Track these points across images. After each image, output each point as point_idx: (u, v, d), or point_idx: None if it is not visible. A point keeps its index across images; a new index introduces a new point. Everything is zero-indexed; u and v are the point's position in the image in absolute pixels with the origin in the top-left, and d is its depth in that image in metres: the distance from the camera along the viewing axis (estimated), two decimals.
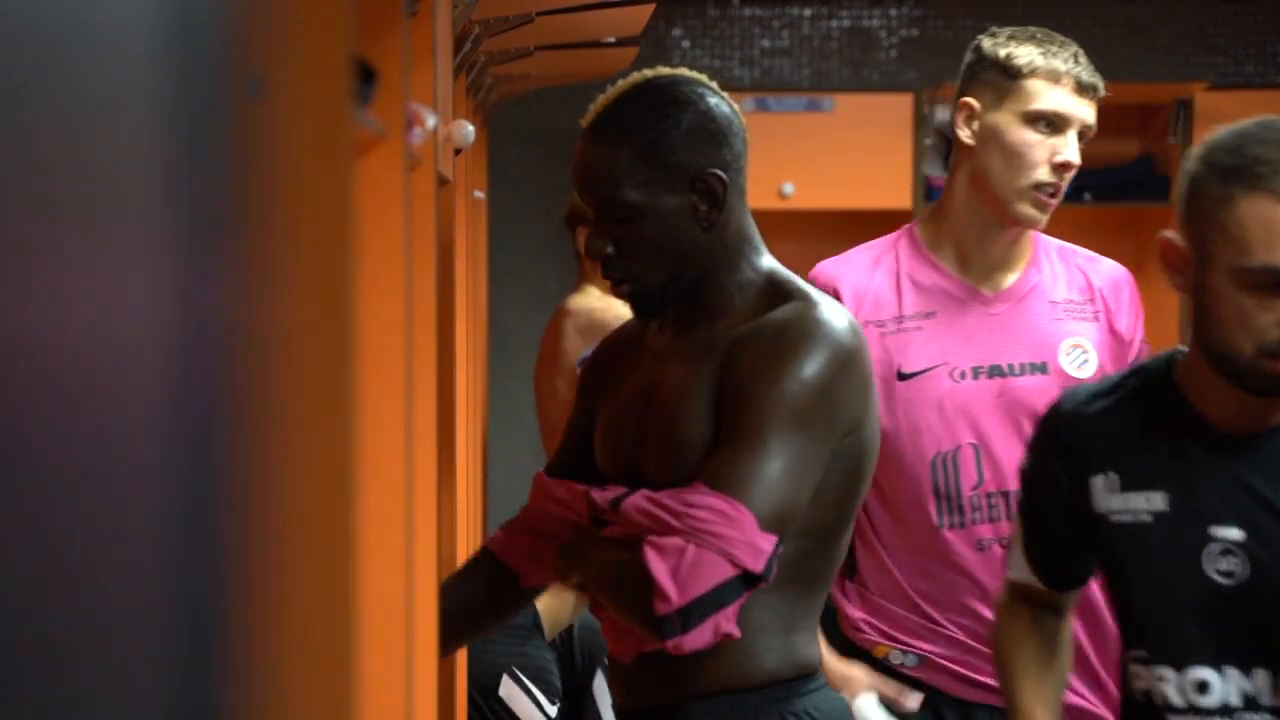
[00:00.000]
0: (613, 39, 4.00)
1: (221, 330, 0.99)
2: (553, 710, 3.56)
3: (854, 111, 5.67)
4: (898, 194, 5.68)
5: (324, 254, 1.16)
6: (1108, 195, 5.81)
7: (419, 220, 2.10)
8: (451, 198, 2.57)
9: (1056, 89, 2.74)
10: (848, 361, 2.20)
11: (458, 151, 2.66)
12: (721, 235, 2.27)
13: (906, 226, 2.97)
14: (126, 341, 0.85)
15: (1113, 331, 2.91)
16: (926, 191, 5.73)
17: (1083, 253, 2.96)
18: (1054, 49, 2.77)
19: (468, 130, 2.54)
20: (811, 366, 2.18)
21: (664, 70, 2.37)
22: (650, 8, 3.35)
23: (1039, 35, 2.79)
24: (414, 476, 1.97)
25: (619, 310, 4.57)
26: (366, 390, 1.83)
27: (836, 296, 2.79)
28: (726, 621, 2.12)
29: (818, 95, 5.67)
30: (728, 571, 2.10)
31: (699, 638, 2.11)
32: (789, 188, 5.59)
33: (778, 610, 2.25)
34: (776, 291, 2.27)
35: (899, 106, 5.69)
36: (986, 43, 2.79)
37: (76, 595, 0.78)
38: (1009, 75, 2.75)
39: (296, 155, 1.16)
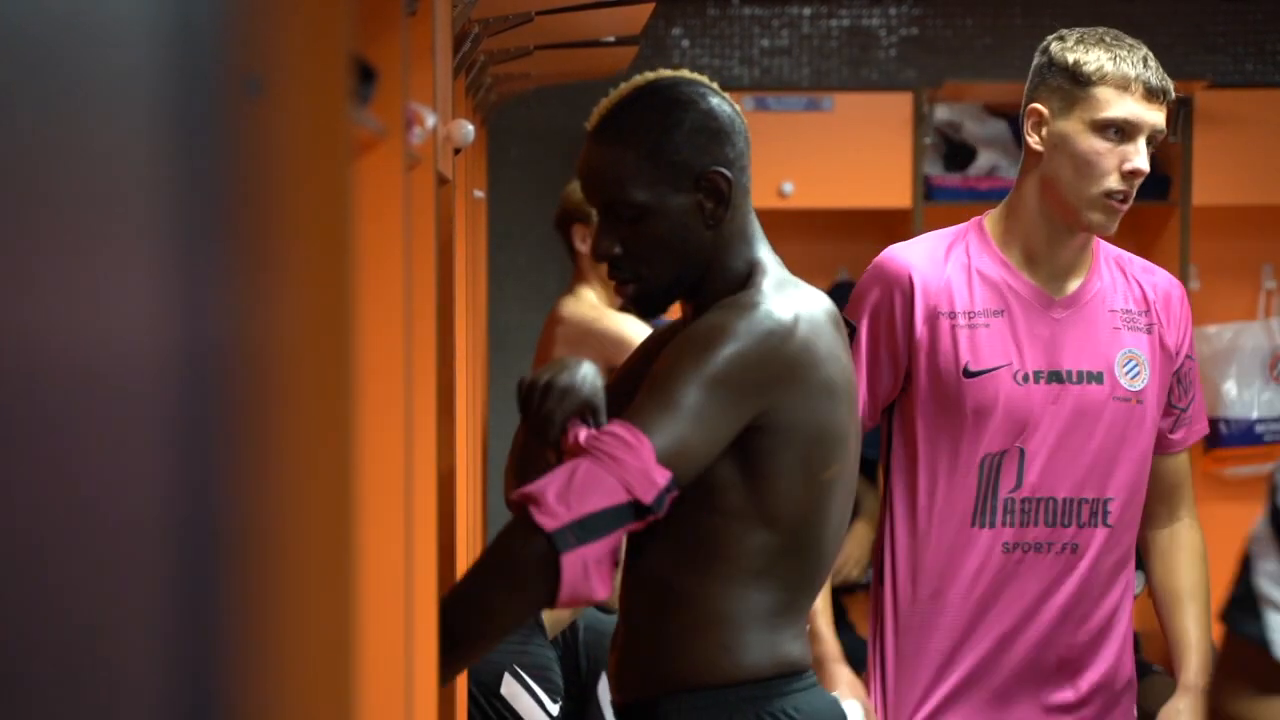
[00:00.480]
0: (612, 38, 4.00)
1: (220, 330, 0.99)
2: (554, 708, 3.56)
3: (853, 111, 5.67)
4: (897, 193, 5.68)
5: (323, 253, 1.16)
6: None
7: (418, 220, 2.10)
8: (451, 197, 2.57)
9: (1126, 96, 2.73)
10: (776, 344, 2.22)
11: (457, 151, 2.66)
12: (726, 232, 2.30)
13: (976, 219, 2.95)
14: (125, 341, 0.85)
15: (1163, 345, 2.90)
16: (926, 191, 5.72)
17: (1139, 262, 2.96)
18: (1123, 54, 2.75)
19: (467, 130, 2.53)
20: (732, 342, 2.20)
21: (665, 72, 2.38)
22: (650, 7, 3.35)
23: (1108, 38, 2.77)
24: (413, 476, 1.97)
25: (609, 321, 4.54)
26: (366, 390, 1.83)
27: (909, 282, 2.80)
28: (599, 568, 2.10)
29: (817, 94, 5.66)
30: (620, 496, 2.11)
31: (572, 566, 2.09)
32: (788, 187, 5.59)
33: (756, 607, 2.25)
34: (744, 283, 2.29)
35: (899, 106, 5.68)
36: (1055, 46, 2.78)
37: (75, 598, 0.78)
38: (1078, 82, 2.74)
39: (295, 155, 1.16)
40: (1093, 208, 2.74)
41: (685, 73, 2.38)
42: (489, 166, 5.62)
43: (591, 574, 2.09)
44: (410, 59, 2.02)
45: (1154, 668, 5.43)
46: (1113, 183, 2.73)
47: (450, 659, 2.15)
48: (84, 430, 0.80)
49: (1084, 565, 2.83)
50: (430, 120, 2.07)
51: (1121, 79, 2.73)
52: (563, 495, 2.10)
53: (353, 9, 1.23)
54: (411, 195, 2.02)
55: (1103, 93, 2.72)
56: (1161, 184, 5.78)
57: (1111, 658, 2.88)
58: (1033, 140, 2.77)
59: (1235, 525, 6.06)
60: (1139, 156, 2.73)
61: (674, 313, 2.47)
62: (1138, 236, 6.02)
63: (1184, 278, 5.67)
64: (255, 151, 1.08)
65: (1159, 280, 2.94)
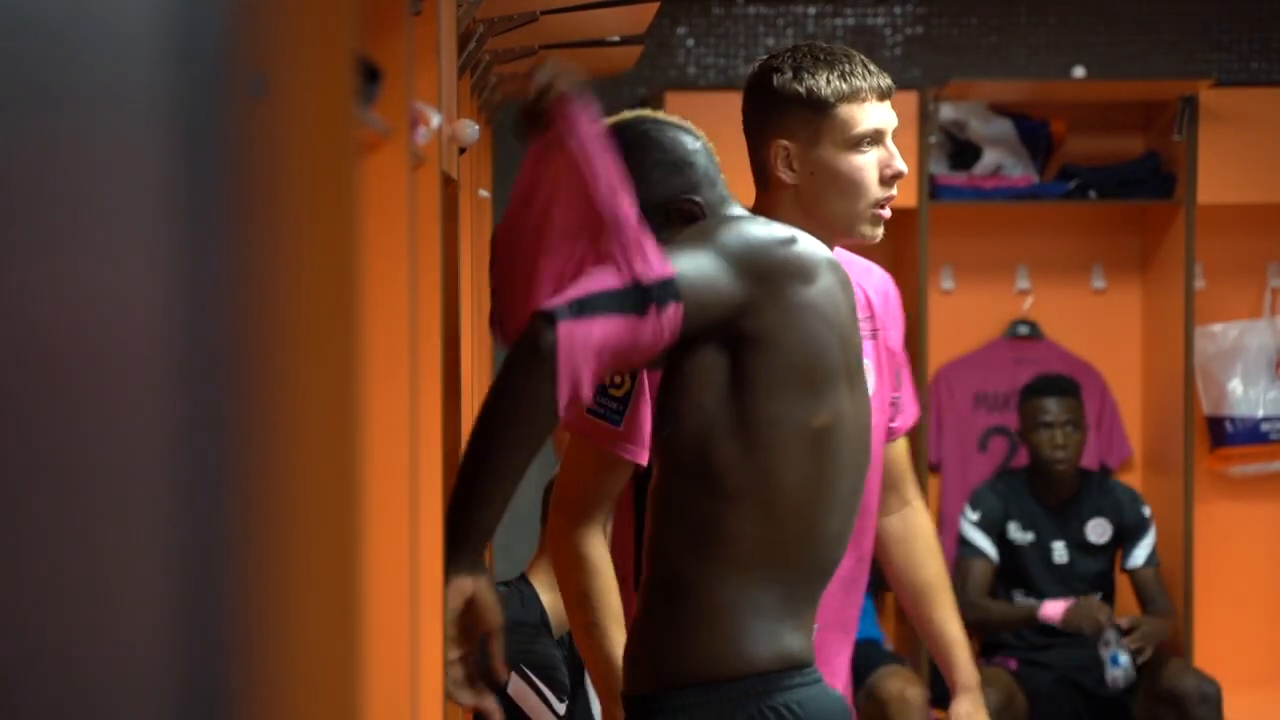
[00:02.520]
0: (617, 38, 4.00)
1: (227, 329, 0.99)
2: (561, 708, 3.56)
3: None
4: (903, 192, 5.63)
5: (328, 253, 1.16)
6: (1112, 192, 5.80)
7: (423, 219, 2.10)
8: (456, 196, 2.57)
9: (866, 106, 2.74)
10: (772, 244, 2.30)
11: (462, 150, 2.66)
12: None
13: None
14: (132, 340, 0.85)
15: (888, 348, 2.95)
16: (932, 190, 5.72)
17: (858, 262, 2.97)
18: (846, 67, 2.75)
19: (472, 129, 2.54)
20: (733, 232, 2.30)
21: (614, 118, 2.43)
22: (654, 6, 3.35)
23: (821, 55, 2.76)
24: (419, 474, 1.98)
25: None
26: (371, 389, 1.83)
27: None
28: (587, 356, 2.10)
29: None
30: (619, 281, 2.13)
31: (566, 336, 2.09)
32: None
33: (758, 599, 2.26)
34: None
35: (904, 104, 5.67)
36: (777, 80, 2.75)
37: (80, 589, 0.79)
38: (817, 108, 2.73)
39: (301, 155, 1.16)
40: (864, 221, 2.77)
41: (633, 113, 2.45)
42: (494, 166, 5.62)
43: (580, 358, 2.09)
44: (415, 59, 2.02)
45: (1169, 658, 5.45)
46: (879, 193, 2.75)
47: (482, 481, 2.13)
48: (93, 426, 0.80)
49: (862, 549, 2.91)
50: (435, 120, 2.08)
51: (856, 92, 2.74)
52: (567, 290, 2.13)
53: (357, 9, 1.23)
54: (416, 195, 2.02)
55: (846, 111, 2.73)
56: (1167, 182, 5.78)
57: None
58: (785, 176, 2.76)
59: (1240, 523, 6.07)
60: (896, 159, 2.76)
61: None
62: (1143, 235, 6.02)
63: (1189, 276, 5.67)
64: (260, 152, 1.08)
65: (876, 281, 2.99)
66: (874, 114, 2.74)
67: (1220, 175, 5.67)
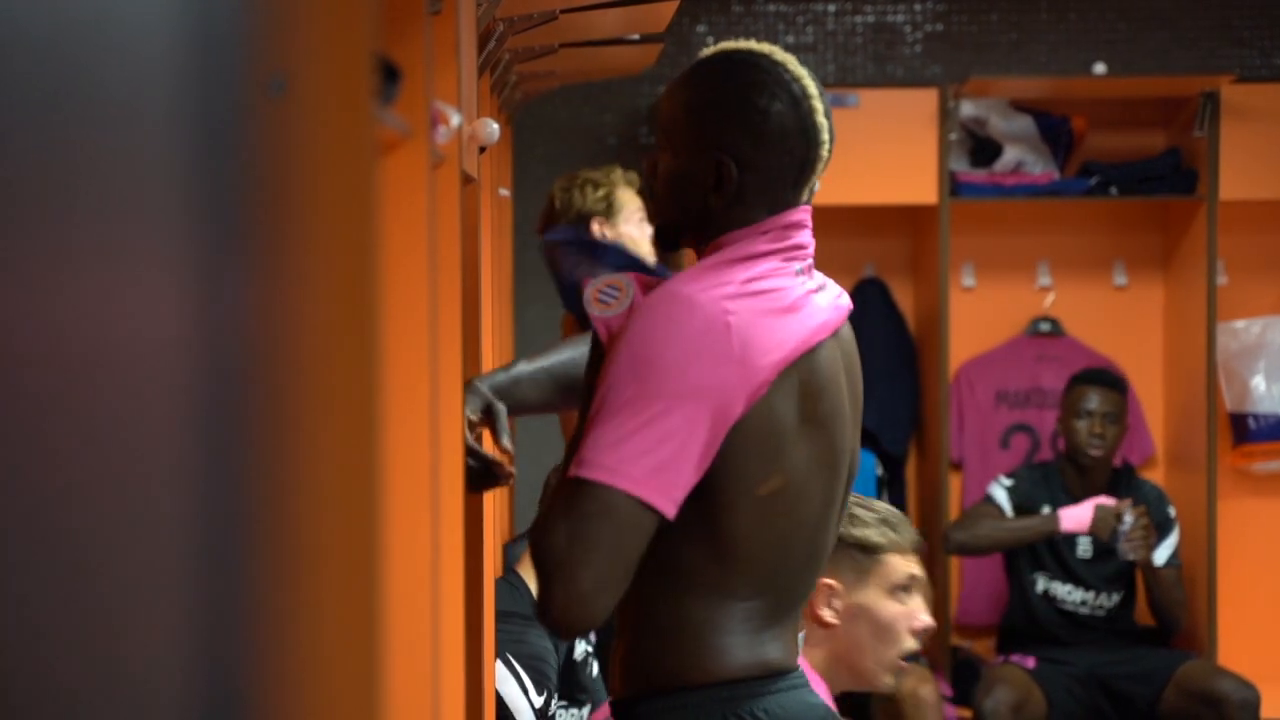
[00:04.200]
0: (636, 36, 4.00)
1: (245, 329, 0.99)
2: (539, 700, 3.54)
3: (879, 107, 5.65)
4: (923, 189, 5.67)
5: (348, 253, 1.16)
6: (1133, 189, 5.78)
7: (443, 218, 2.10)
8: (476, 196, 2.57)
9: (908, 558, 2.85)
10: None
11: (482, 149, 2.66)
12: (728, 212, 2.31)
13: None
14: (150, 341, 0.85)
15: None
16: (952, 187, 5.71)
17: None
18: (893, 520, 2.85)
19: (492, 128, 2.54)
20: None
21: (766, 50, 2.37)
22: (674, 4, 3.34)
23: (880, 511, 2.86)
24: (439, 474, 1.98)
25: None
26: (391, 389, 1.83)
27: None
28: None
29: (842, 90, 5.65)
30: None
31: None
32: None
33: (734, 614, 2.23)
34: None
35: (924, 101, 5.67)
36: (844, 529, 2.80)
37: (100, 594, 0.78)
38: (867, 552, 2.82)
39: (319, 155, 1.16)
40: (888, 671, 2.86)
41: (784, 60, 2.37)
42: (514, 165, 5.63)
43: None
44: (434, 58, 2.02)
45: (1190, 654, 5.44)
46: (909, 644, 2.84)
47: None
48: (113, 429, 0.80)
49: None
50: (455, 119, 2.07)
51: (900, 544, 2.84)
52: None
53: (377, 8, 1.23)
54: (436, 194, 2.02)
55: (892, 560, 2.84)
56: (1189, 179, 5.76)
57: None
58: (827, 615, 2.82)
59: (1264, 520, 6.06)
60: (925, 612, 2.85)
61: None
62: (1165, 231, 6.00)
63: (1211, 272, 5.66)
64: (279, 152, 1.08)
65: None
66: (913, 566, 2.86)
67: (1242, 171, 5.65)
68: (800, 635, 2.37)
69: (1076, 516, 5.26)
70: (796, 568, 2.28)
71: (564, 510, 2.10)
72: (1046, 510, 5.39)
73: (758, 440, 2.19)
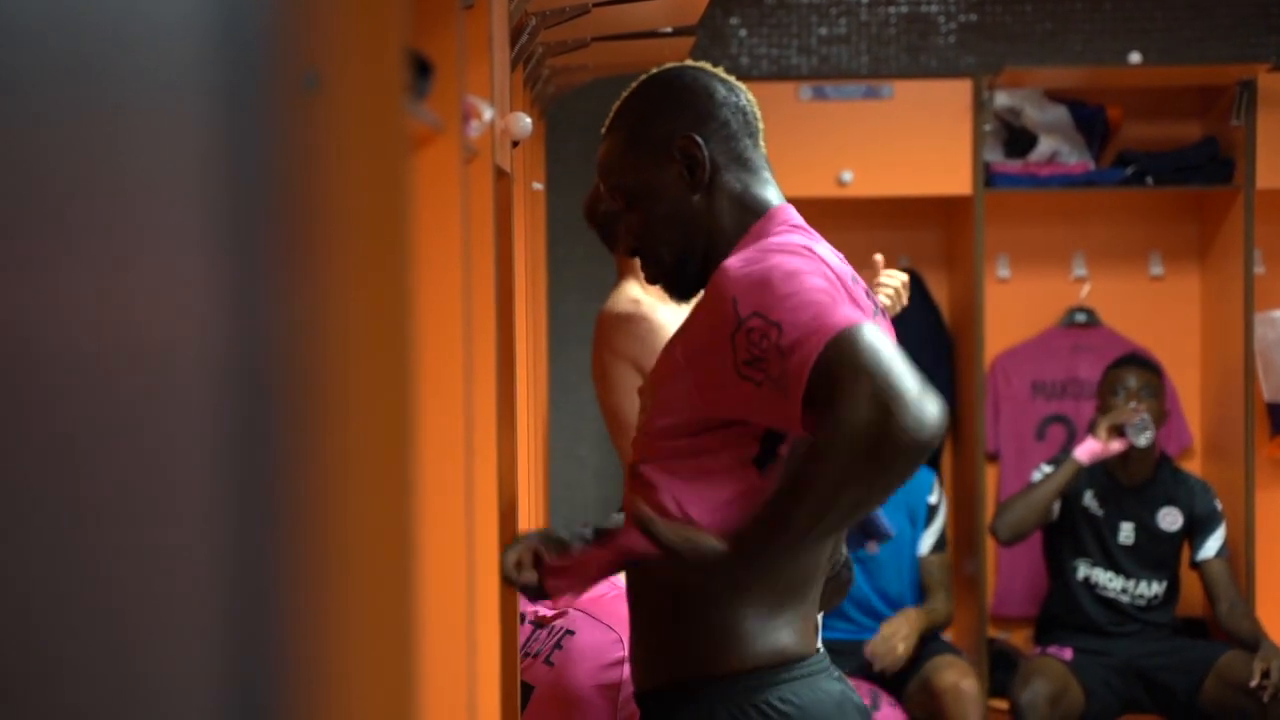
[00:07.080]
0: (669, 29, 3.99)
1: (278, 324, 0.99)
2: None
3: (913, 98, 5.64)
4: (958, 180, 5.65)
5: (381, 247, 1.16)
6: (1170, 178, 5.75)
7: (477, 213, 2.10)
8: (509, 190, 2.57)
9: None
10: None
11: (515, 144, 2.66)
12: (716, 199, 2.30)
13: None
14: (182, 336, 0.85)
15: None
16: (987, 177, 5.69)
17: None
18: None
19: (525, 122, 2.54)
20: None
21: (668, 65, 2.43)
22: None
23: None
24: (474, 468, 1.98)
25: (644, 310, 4.60)
26: (426, 383, 1.83)
27: None
28: None
29: (876, 82, 5.63)
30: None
31: None
32: (847, 175, 5.56)
33: (745, 606, 2.23)
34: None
35: (958, 92, 5.65)
36: None
37: (131, 603, 0.78)
38: None
39: (352, 150, 1.16)
40: None
41: (687, 63, 2.43)
42: (547, 158, 5.63)
43: None
44: (467, 52, 2.02)
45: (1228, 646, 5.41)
46: None
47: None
48: (142, 430, 0.80)
49: None
50: (488, 113, 2.07)
51: None
52: None
53: (409, 3, 1.23)
54: (469, 188, 2.02)
55: None
56: (1225, 167, 5.73)
57: None
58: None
59: None
60: None
61: None
62: (1201, 221, 5.97)
63: (1249, 262, 5.62)
64: (312, 146, 1.08)
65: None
66: None
67: (1279, 160, 5.62)
68: (819, 617, 2.35)
69: (1087, 446, 5.29)
70: (805, 551, 2.27)
71: (848, 370, 2.05)
72: (1089, 496, 5.39)
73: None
